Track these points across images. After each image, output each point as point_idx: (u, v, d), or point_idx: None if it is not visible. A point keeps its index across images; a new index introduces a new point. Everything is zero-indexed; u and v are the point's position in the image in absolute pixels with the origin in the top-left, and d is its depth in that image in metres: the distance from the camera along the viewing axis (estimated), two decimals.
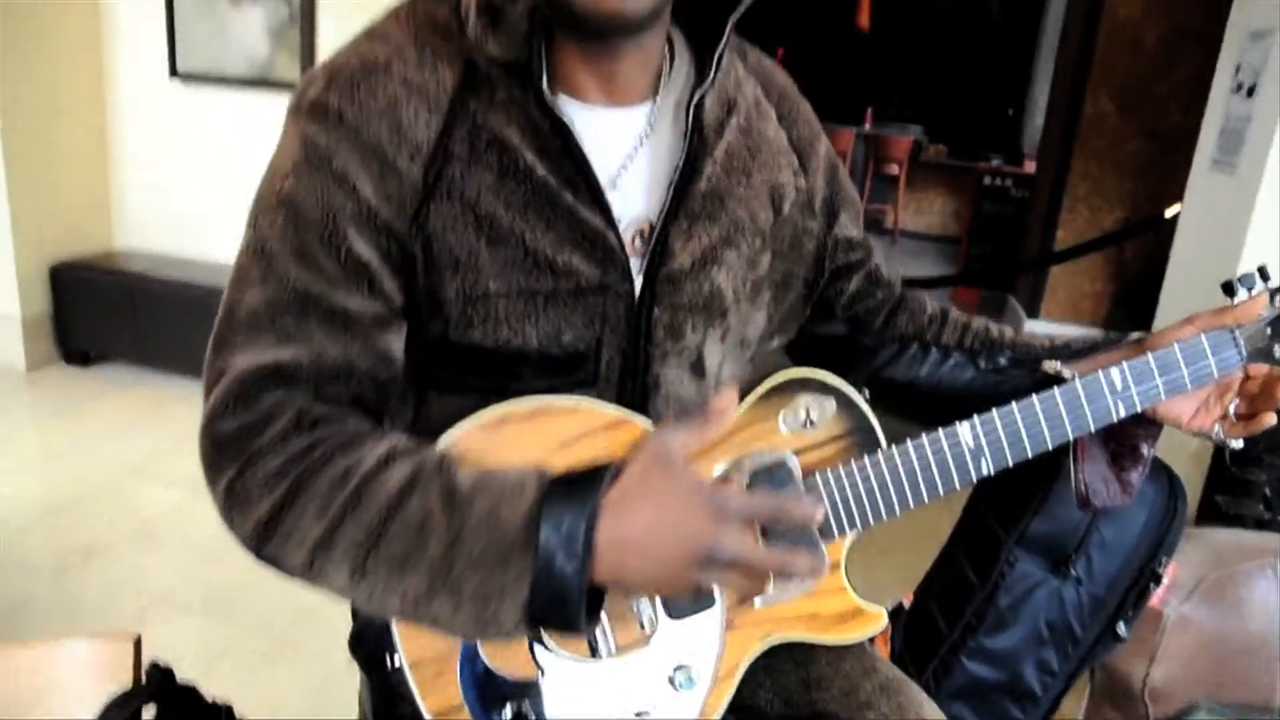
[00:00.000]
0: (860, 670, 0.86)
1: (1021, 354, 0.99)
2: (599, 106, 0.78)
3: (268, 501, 0.68)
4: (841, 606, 0.85)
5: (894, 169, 7.84)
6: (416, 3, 0.78)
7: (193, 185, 3.32)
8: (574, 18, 0.70)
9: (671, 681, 0.79)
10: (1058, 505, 1.19)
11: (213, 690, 0.87)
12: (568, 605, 0.63)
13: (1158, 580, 1.22)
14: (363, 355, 0.73)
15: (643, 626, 0.79)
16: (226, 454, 0.69)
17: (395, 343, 0.76)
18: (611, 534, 0.65)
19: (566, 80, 0.77)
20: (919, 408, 1.02)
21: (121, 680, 0.84)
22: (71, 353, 3.31)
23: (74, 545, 2.25)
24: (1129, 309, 4.33)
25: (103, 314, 3.19)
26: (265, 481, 0.68)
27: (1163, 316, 2.86)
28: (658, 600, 0.80)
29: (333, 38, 2.97)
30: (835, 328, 1.01)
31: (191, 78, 3.19)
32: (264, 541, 0.68)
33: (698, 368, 0.85)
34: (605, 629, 0.78)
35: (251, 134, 3.14)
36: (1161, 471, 1.18)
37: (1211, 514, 2.20)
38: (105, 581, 2.11)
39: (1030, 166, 6.48)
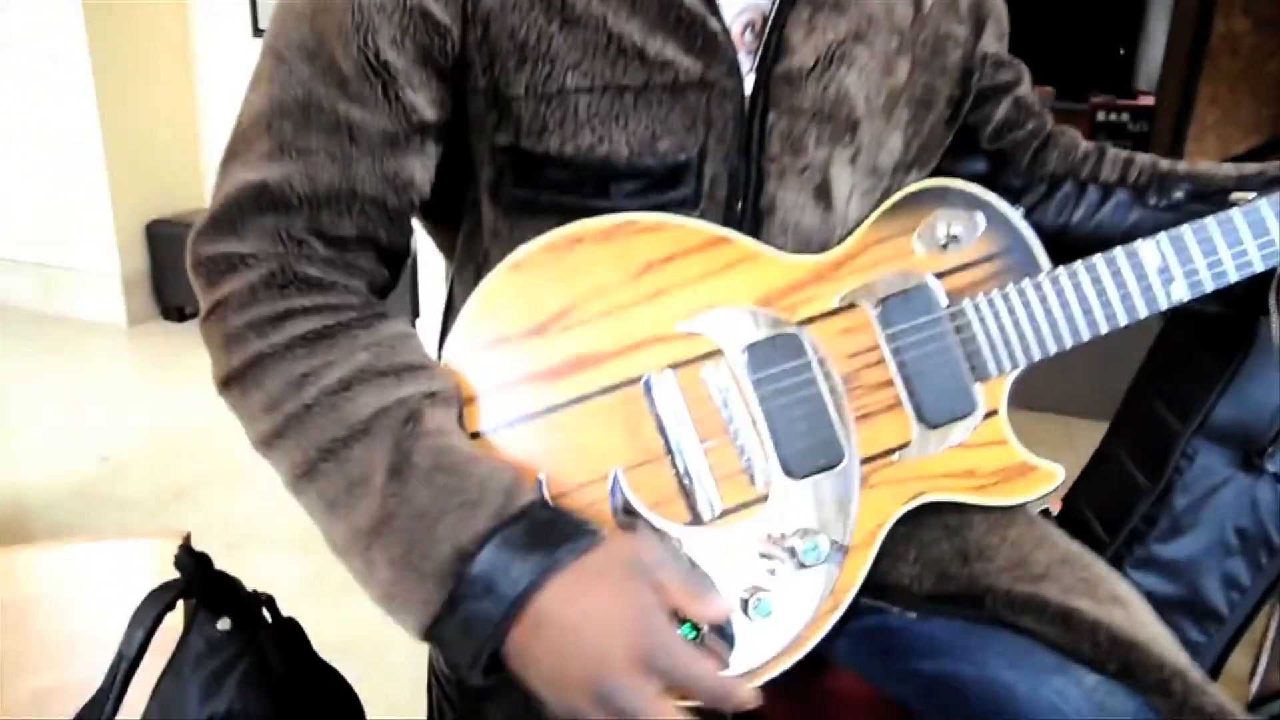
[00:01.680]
0: (1032, 539, 0.70)
1: (1203, 186, 0.81)
2: None
3: (224, 362, 0.62)
4: (1004, 461, 0.69)
5: None
6: None
7: None
8: None
9: (793, 552, 0.65)
10: (1250, 385, 0.99)
11: (301, 617, 0.80)
12: (465, 653, 0.54)
13: None
14: (368, 177, 0.62)
15: (753, 483, 0.65)
16: (203, 278, 0.63)
17: (411, 166, 0.64)
18: (546, 611, 0.53)
19: None
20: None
21: (169, 578, 0.75)
22: (168, 309, 3.34)
23: (172, 484, 2.28)
24: None
25: None
26: (226, 339, 0.62)
27: None
28: (771, 452, 0.65)
29: None
30: (976, 164, 0.84)
31: None
32: (223, 394, 0.63)
33: (823, 193, 0.70)
34: (707, 487, 0.64)
35: None
36: None
37: None
38: (199, 516, 2.13)
39: (1145, 100, 6.03)
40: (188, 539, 0.78)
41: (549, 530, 0.55)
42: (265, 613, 0.76)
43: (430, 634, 0.55)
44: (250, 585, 0.78)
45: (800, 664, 0.66)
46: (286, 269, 0.61)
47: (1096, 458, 1.16)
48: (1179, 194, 0.81)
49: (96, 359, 3.04)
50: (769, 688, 0.70)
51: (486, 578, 0.53)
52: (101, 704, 0.71)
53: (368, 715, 0.84)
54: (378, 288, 0.67)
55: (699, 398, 0.65)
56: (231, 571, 0.76)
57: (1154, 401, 1.10)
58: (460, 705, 0.72)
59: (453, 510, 0.55)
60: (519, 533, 0.54)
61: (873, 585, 0.67)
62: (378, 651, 1.43)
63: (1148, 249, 0.69)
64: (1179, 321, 0.99)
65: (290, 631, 0.78)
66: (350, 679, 0.83)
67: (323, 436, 0.58)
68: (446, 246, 0.79)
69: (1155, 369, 1.09)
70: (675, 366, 0.65)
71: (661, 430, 0.64)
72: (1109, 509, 1.10)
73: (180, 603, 0.73)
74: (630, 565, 0.54)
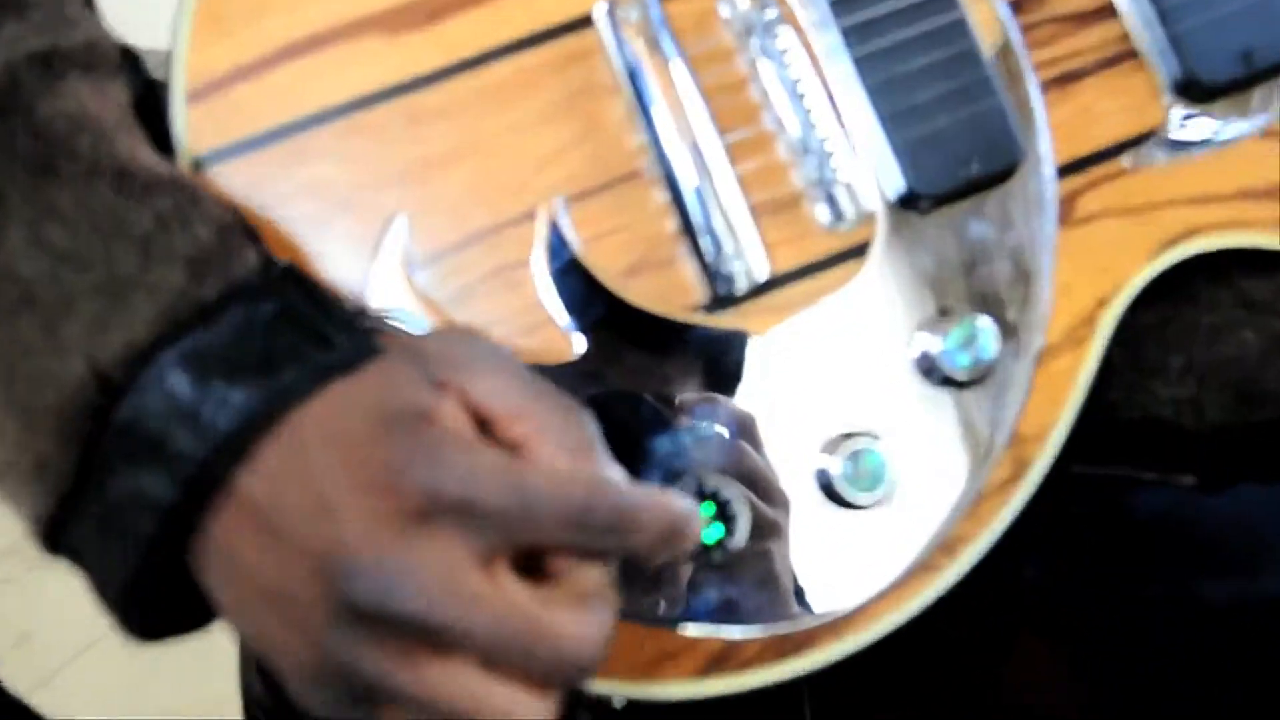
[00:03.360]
0: None
1: None
2: None
3: None
4: None
5: None
6: None
7: None
8: None
9: (926, 361, 0.32)
10: None
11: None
12: (112, 567, 0.27)
13: None
14: None
15: (834, 217, 0.33)
16: None
17: None
18: (263, 480, 0.26)
19: None
20: None
21: None
22: None
23: None
24: None
25: None
26: None
27: None
28: (871, 153, 0.33)
29: None
30: None
31: None
32: None
33: None
34: (739, 231, 0.32)
35: None
36: None
37: None
38: None
39: None
40: None
41: (277, 330, 0.27)
42: None
43: (54, 534, 0.28)
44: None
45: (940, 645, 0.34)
46: None
47: None
48: None
49: None
50: (865, 684, 0.38)
51: (152, 424, 0.26)
52: None
53: None
54: None
55: (715, 53, 0.33)
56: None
57: None
58: None
59: (85, 296, 0.27)
60: (218, 339, 0.27)
61: (1098, 428, 0.33)
62: None
63: None
64: None
65: None
66: None
67: None
68: None
69: None
70: None
71: (644, 116, 0.32)
72: None
73: None
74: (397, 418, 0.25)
